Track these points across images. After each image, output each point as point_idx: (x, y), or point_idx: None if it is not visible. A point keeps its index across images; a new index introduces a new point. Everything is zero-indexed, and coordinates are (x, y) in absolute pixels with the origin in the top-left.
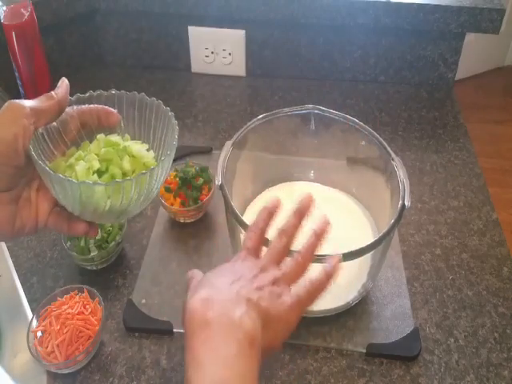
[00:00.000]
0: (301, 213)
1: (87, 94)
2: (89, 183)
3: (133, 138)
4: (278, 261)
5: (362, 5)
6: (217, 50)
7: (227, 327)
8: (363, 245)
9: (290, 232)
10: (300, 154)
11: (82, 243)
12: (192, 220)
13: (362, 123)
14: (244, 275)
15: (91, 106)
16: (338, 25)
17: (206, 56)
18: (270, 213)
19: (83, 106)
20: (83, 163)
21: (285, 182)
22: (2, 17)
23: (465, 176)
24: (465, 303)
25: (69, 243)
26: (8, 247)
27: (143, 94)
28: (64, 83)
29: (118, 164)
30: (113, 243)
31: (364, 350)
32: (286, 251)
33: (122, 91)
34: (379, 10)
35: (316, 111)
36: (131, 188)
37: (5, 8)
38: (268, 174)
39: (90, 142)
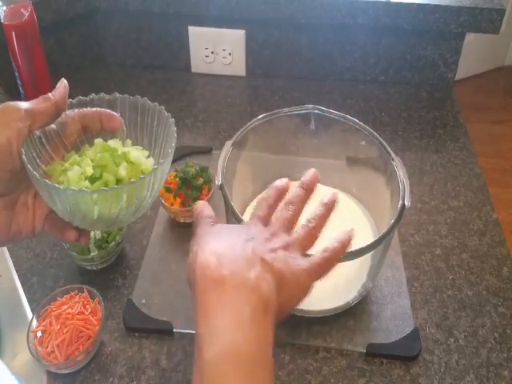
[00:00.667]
0: (307, 186)
1: (89, 97)
2: (74, 190)
3: (134, 144)
4: (287, 229)
5: (361, 5)
6: (217, 49)
7: (241, 288)
8: (363, 245)
9: (297, 203)
10: (300, 154)
11: None
12: (192, 220)
13: (361, 123)
14: (256, 237)
15: (93, 109)
16: (338, 24)
17: (206, 56)
18: (279, 191)
19: (85, 109)
20: (77, 168)
21: None
22: (2, 17)
23: (465, 176)
24: (465, 303)
25: (69, 243)
26: (8, 247)
27: (145, 98)
28: (62, 84)
29: (112, 170)
30: (113, 243)
31: (364, 350)
32: (295, 221)
33: (125, 95)
34: (379, 10)
35: (316, 111)
36: (120, 197)
37: (5, 8)
38: (268, 174)
39: (91, 147)
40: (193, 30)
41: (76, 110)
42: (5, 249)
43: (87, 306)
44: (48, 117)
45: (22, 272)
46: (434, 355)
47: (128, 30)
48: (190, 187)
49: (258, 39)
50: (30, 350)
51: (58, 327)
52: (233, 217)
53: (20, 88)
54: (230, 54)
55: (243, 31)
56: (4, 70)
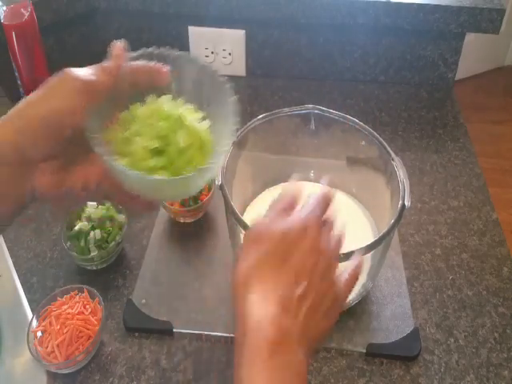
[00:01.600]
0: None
1: (137, 52)
2: (144, 177)
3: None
4: (322, 214)
5: (361, 5)
6: (217, 49)
7: (288, 363)
8: (363, 245)
9: (326, 200)
10: (300, 154)
11: (82, 243)
12: (192, 220)
13: (361, 123)
14: (298, 278)
15: (143, 62)
16: (338, 24)
17: (206, 56)
18: (294, 198)
19: (134, 64)
20: (139, 141)
21: (285, 182)
22: (2, 17)
23: (465, 176)
24: (465, 303)
25: (69, 243)
26: (8, 247)
27: (197, 56)
28: (122, 54)
29: (174, 142)
30: (113, 243)
31: (364, 350)
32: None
33: (175, 50)
34: (379, 10)
35: (316, 111)
36: (189, 181)
37: (5, 8)
38: (268, 174)
39: (142, 105)
40: (193, 30)
41: (125, 65)
42: (5, 249)
43: (87, 306)
44: (106, 93)
45: (21, 272)
46: (433, 355)
47: (128, 29)
48: None
49: (258, 39)
50: (30, 350)
51: (58, 327)
52: (233, 217)
53: (20, 88)
54: (230, 53)
55: (243, 31)
56: (4, 70)
